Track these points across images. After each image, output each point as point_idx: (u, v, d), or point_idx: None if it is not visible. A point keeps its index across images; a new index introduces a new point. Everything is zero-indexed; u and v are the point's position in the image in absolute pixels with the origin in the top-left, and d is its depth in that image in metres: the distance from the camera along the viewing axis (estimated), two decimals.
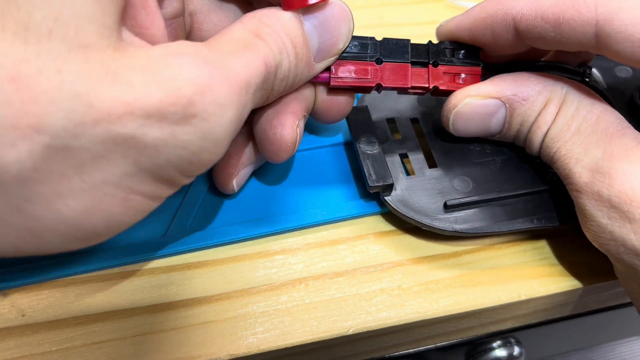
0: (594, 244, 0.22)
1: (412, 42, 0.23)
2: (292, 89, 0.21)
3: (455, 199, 0.24)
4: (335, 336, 0.22)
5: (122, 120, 0.14)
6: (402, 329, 0.23)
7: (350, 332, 0.23)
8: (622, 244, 0.20)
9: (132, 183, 0.15)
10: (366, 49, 0.23)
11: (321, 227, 0.26)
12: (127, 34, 0.16)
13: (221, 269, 0.24)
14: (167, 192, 0.17)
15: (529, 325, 0.27)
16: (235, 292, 0.23)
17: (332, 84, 0.22)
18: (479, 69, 0.24)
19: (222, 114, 0.16)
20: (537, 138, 0.23)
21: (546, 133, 0.22)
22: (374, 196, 0.26)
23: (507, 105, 0.23)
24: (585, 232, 0.22)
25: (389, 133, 0.27)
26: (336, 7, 0.21)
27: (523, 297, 0.24)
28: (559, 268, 0.25)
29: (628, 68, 0.29)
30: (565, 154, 0.22)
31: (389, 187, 0.24)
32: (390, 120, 0.28)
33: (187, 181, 0.17)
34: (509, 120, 0.23)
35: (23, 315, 0.22)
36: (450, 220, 0.24)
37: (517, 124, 0.23)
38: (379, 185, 0.24)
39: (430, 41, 0.24)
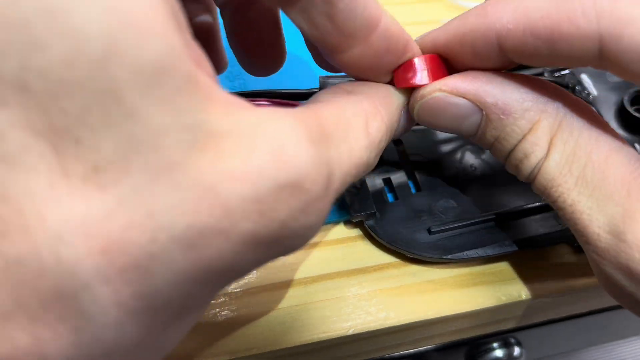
0: (613, 297, 0.19)
1: None
2: None
3: (439, 224, 0.24)
4: (335, 336, 0.22)
5: (221, 255, 0.11)
6: (402, 329, 0.23)
7: (350, 332, 0.23)
8: None
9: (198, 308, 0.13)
10: None
11: (321, 226, 0.26)
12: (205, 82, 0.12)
13: None
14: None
15: (529, 325, 0.27)
16: (235, 292, 0.23)
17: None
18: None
19: (309, 236, 0.14)
20: (525, 169, 0.19)
21: (539, 168, 0.19)
22: None
23: (483, 113, 0.19)
24: (603, 286, 0.19)
25: None
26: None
27: (523, 297, 0.24)
28: (559, 268, 0.25)
29: None
30: (573, 206, 0.18)
31: (372, 215, 0.24)
32: None
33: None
34: (483, 129, 0.19)
35: None
36: (435, 247, 0.24)
37: (491, 137, 0.19)
38: (361, 215, 0.24)
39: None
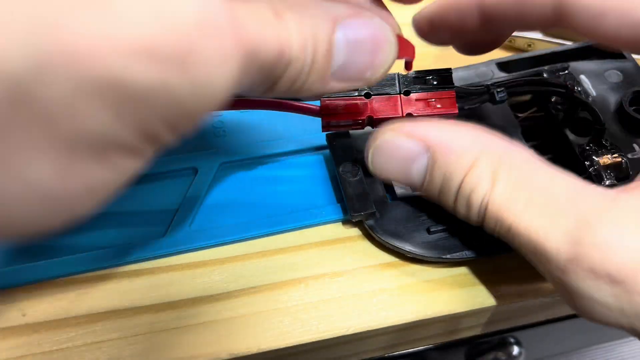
0: (588, 319, 0.19)
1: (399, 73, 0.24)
2: (296, 96, 0.18)
3: (439, 224, 0.24)
4: (335, 336, 0.22)
5: (103, 61, 0.11)
6: (402, 328, 0.23)
7: (350, 332, 0.23)
8: (637, 316, 0.17)
9: (112, 138, 0.12)
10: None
11: (321, 226, 0.26)
12: None
13: (221, 269, 0.24)
14: (150, 150, 0.14)
15: (529, 325, 0.27)
16: (235, 292, 0.23)
17: (323, 121, 0.23)
18: (453, 92, 0.23)
19: (222, 66, 0.13)
20: (474, 203, 0.20)
21: (487, 200, 0.19)
22: None
23: (429, 153, 0.20)
24: (574, 309, 0.19)
25: None
26: (380, 30, 0.18)
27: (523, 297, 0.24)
28: None
29: (618, 72, 0.29)
30: (527, 228, 0.19)
31: (372, 215, 0.24)
32: None
33: (171, 140, 0.14)
34: (430, 170, 0.21)
35: (24, 315, 0.22)
36: (435, 246, 0.24)
37: (439, 179, 0.20)
38: (361, 214, 0.24)
39: (398, 73, 0.24)
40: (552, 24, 0.20)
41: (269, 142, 0.28)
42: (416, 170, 0.21)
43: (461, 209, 0.21)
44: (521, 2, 0.20)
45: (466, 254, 0.24)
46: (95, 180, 0.13)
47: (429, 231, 0.24)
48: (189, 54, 0.12)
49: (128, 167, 0.13)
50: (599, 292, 0.18)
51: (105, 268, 0.24)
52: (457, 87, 0.24)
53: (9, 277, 0.23)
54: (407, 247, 0.24)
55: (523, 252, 0.19)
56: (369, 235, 0.25)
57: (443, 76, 0.24)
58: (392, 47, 0.19)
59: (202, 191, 0.26)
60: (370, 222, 0.24)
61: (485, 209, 0.20)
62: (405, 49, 0.20)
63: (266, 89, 0.17)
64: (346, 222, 0.26)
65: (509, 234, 0.19)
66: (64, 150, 0.12)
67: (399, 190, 0.25)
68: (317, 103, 0.23)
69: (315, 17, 0.16)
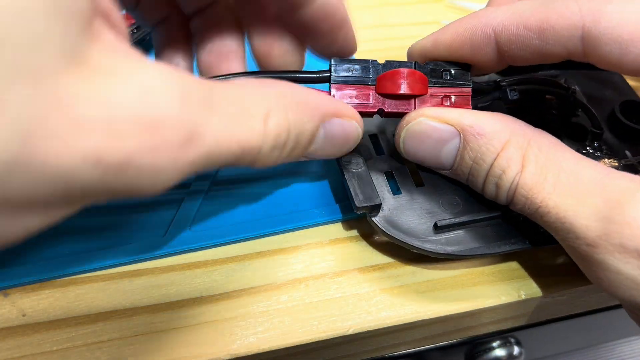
0: (610, 293, 0.20)
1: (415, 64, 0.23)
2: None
3: (445, 219, 0.23)
4: (335, 336, 0.22)
5: (58, 165, 0.13)
6: (402, 329, 0.23)
7: (350, 332, 0.23)
8: None
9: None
10: (368, 72, 0.22)
11: (321, 227, 0.26)
12: (100, 27, 0.14)
13: (221, 269, 0.24)
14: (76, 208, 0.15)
15: (529, 325, 0.27)
16: (235, 292, 0.23)
17: None
18: (469, 89, 0.23)
19: (157, 179, 0.15)
20: (504, 184, 0.21)
21: (517, 181, 0.21)
22: None
23: (461, 136, 0.22)
24: (597, 283, 0.20)
25: (372, 150, 0.26)
26: (353, 127, 0.22)
27: (523, 297, 0.24)
28: (559, 267, 0.25)
29: (607, 82, 0.29)
30: (556, 207, 0.20)
31: (377, 208, 0.24)
32: (373, 136, 0.26)
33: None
34: (461, 153, 0.22)
35: (23, 315, 0.22)
36: (441, 242, 0.23)
37: (469, 160, 0.22)
38: (366, 206, 0.23)
39: (416, 62, 0.23)
40: (578, 55, 0.20)
41: None
42: (447, 153, 0.22)
43: (490, 190, 0.22)
44: (543, 31, 0.20)
45: (474, 249, 0.23)
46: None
47: (435, 227, 0.24)
48: (128, 165, 0.14)
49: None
50: (626, 266, 0.19)
51: (105, 268, 0.24)
52: (472, 83, 0.23)
53: (9, 277, 0.23)
54: (414, 242, 0.23)
55: (551, 229, 0.20)
56: (368, 236, 0.25)
57: (461, 72, 0.23)
58: (358, 138, 0.22)
59: (201, 192, 0.26)
60: (375, 216, 0.24)
61: (515, 189, 0.21)
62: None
63: (229, 166, 0.18)
64: (346, 222, 0.26)
65: (537, 213, 0.20)
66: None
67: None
68: (326, 88, 0.23)
69: (305, 113, 0.19)
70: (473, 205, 0.24)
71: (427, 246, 0.23)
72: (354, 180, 0.24)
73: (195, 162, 0.16)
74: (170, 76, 0.15)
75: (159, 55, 0.25)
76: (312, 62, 0.25)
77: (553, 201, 0.20)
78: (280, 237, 0.25)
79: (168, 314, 0.23)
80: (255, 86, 0.19)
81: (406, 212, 0.24)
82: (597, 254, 0.19)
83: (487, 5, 0.25)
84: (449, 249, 0.23)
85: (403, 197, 0.25)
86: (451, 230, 0.24)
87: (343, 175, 0.24)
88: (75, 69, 0.13)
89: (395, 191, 0.25)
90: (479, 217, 0.24)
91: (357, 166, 0.24)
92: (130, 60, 0.14)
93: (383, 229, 0.23)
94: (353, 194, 0.23)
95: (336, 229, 0.26)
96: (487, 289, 0.24)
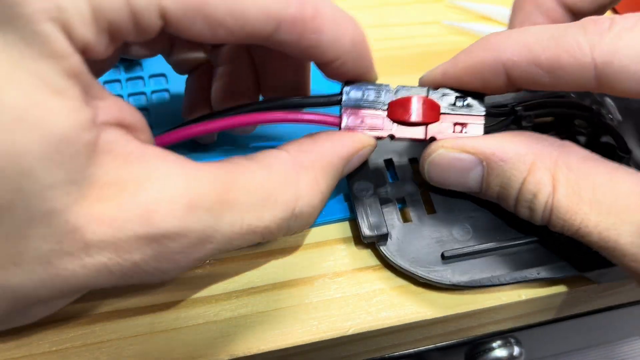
0: None
1: (429, 90, 0.22)
2: None
3: (453, 249, 0.23)
4: (335, 336, 0.22)
5: (77, 276, 0.15)
6: (402, 329, 0.23)
7: (350, 332, 0.23)
8: None
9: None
10: (379, 97, 0.22)
11: (321, 227, 0.26)
12: (108, 138, 0.16)
13: (221, 268, 0.24)
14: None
15: (529, 325, 0.27)
16: (235, 292, 0.23)
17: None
18: (482, 117, 0.22)
19: (165, 277, 0.17)
20: (537, 209, 0.20)
21: (551, 204, 0.20)
22: None
23: (484, 164, 0.21)
24: None
25: (387, 175, 0.26)
26: (368, 150, 0.22)
27: (523, 297, 0.24)
28: None
29: None
30: (598, 227, 0.19)
31: (384, 237, 0.23)
32: (388, 161, 0.26)
33: None
34: (486, 180, 0.21)
35: None
36: (448, 272, 0.23)
37: (496, 186, 0.21)
38: (373, 236, 0.23)
39: (429, 88, 0.22)
40: (594, 90, 0.19)
41: (276, 142, 0.27)
42: (473, 179, 0.22)
43: (524, 213, 0.21)
44: (554, 71, 0.19)
45: (481, 281, 0.23)
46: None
47: (443, 256, 0.23)
48: (136, 271, 0.16)
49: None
50: None
51: None
52: (485, 109, 0.22)
53: None
54: (419, 272, 0.23)
55: (595, 248, 0.20)
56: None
57: (474, 99, 0.22)
58: (371, 153, 0.23)
59: None
60: (383, 245, 0.24)
61: (550, 212, 0.20)
62: None
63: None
64: (346, 222, 0.26)
65: (578, 234, 0.20)
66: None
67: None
68: (337, 111, 0.22)
69: (334, 172, 0.21)
70: (485, 232, 0.24)
71: (433, 276, 0.23)
72: (362, 209, 0.24)
73: (204, 258, 0.17)
74: (178, 185, 0.16)
75: (191, 100, 0.26)
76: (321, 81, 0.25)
77: (593, 221, 0.19)
78: (280, 237, 0.25)
79: (168, 314, 0.23)
80: (283, 164, 0.19)
81: (415, 241, 0.24)
82: None
83: (508, 26, 0.25)
84: (455, 279, 0.23)
85: (412, 226, 0.24)
86: (459, 260, 0.23)
87: (353, 202, 0.24)
88: (83, 196, 0.15)
89: (406, 219, 0.25)
90: (488, 247, 0.23)
91: (367, 193, 0.24)
92: (141, 169, 0.16)
93: (390, 257, 0.23)
94: (361, 223, 0.23)
95: (336, 229, 0.26)
96: (487, 289, 0.24)
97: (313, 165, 0.20)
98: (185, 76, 0.27)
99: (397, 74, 0.30)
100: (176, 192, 0.16)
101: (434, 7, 0.38)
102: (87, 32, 0.15)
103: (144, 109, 0.29)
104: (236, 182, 0.18)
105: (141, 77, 0.30)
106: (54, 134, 0.14)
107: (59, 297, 0.16)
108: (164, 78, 0.31)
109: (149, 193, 0.16)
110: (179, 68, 0.26)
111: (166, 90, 0.30)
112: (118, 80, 0.30)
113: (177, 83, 0.30)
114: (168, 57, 0.26)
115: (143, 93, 0.30)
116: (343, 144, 0.21)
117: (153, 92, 0.30)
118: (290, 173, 0.19)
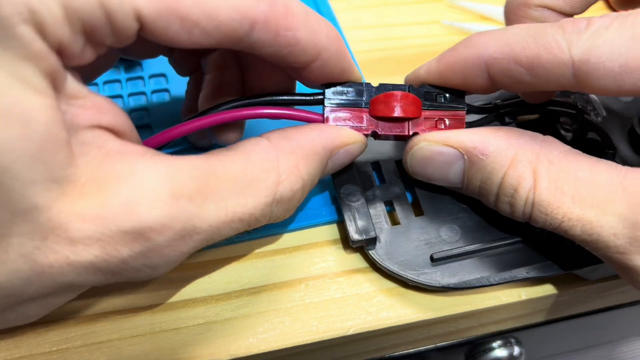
0: None
1: (408, 86, 0.23)
2: None
3: (442, 251, 0.23)
4: (335, 336, 0.22)
5: (63, 274, 0.16)
6: (402, 329, 0.23)
7: (350, 332, 0.23)
8: None
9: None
10: (361, 95, 0.22)
11: (321, 227, 0.26)
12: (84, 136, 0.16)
13: (221, 269, 0.24)
14: None
15: (529, 325, 0.27)
16: (235, 292, 0.23)
17: None
18: (463, 112, 0.23)
19: (154, 273, 0.17)
20: (518, 203, 0.20)
21: (532, 198, 0.20)
22: None
23: (465, 158, 0.21)
24: (635, 285, 0.20)
25: (374, 178, 0.26)
26: (358, 146, 0.22)
27: (523, 297, 0.24)
28: None
29: None
30: (581, 220, 0.19)
31: (372, 241, 0.23)
32: (375, 163, 0.26)
33: None
34: (467, 174, 0.22)
35: None
36: (437, 274, 0.23)
37: (477, 181, 0.21)
38: (361, 240, 0.23)
39: (410, 85, 0.23)
40: (572, 88, 0.20)
41: None
42: (454, 173, 0.22)
43: (504, 208, 0.21)
44: (533, 69, 0.19)
45: (470, 282, 0.23)
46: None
47: (432, 258, 0.23)
48: (124, 268, 0.16)
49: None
50: None
51: None
52: (467, 105, 0.23)
53: None
54: (408, 275, 0.23)
55: (579, 241, 0.20)
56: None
57: (455, 96, 0.23)
58: (362, 151, 0.23)
59: None
60: (372, 249, 0.24)
61: (532, 206, 0.20)
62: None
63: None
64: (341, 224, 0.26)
65: (560, 228, 0.20)
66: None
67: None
68: (320, 110, 0.22)
69: (316, 162, 0.21)
70: (473, 233, 0.24)
71: (422, 279, 0.23)
72: (350, 214, 0.24)
73: (192, 250, 0.18)
74: (159, 177, 0.16)
75: (189, 103, 0.26)
76: None
77: (576, 214, 0.19)
78: (280, 237, 0.25)
79: (168, 314, 0.23)
80: (263, 150, 0.20)
81: (403, 244, 0.24)
82: (630, 260, 0.19)
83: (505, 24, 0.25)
84: (445, 281, 0.23)
85: (401, 228, 0.24)
86: (448, 262, 0.23)
87: (341, 207, 0.24)
88: (64, 193, 0.15)
89: (394, 222, 0.25)
90: (477, 248, 0.23)
91: (355, 198, 0.24)
92: (121, 165, 0.16)
93: (379, 261, 0.23)
94: (349, 227, 0.23)
95: (336, 229, 0.26)
96: (487, 289, 0.24)
97: (294, 152, 0.20)
98: (187, 78, 0.27)
99: (396, 73, 0.30)
100: (157, 184, 0.16)
101: (433, 7, 0.38)
102: (60, 31, 0.15)
103: (144, 109, 0.29)
104: (216, 170, 0.18)
105: (141, 77, 0.30)
106: (34, 130, 0.14)
107: (49, 294, 0.17)
108: (164, 78, 0.31)
109: (130, 187, 0.16)
110: (179, 70, 0.26)
111: (166, 90, 0.30)
112: (118, 80, 0.30)
113: (177, 83, 0.30)
114: (169, 60, 0.26)
115: (143, 93, 0.30)
116: (328, 135, 0.21)
117: (153, 92, 0.30)
118: (270, 159, 0.19)
